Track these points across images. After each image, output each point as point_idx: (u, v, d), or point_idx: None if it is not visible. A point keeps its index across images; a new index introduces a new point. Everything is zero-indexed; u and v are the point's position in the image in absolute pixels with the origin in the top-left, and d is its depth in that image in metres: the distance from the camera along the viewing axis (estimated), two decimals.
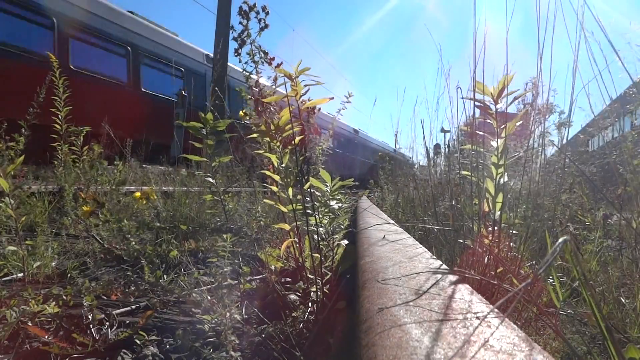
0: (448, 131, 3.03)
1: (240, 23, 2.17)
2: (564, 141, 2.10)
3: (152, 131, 8.83)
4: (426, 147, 2.81)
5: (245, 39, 2.17)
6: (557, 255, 0.49)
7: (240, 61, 2.27)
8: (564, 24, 1.33)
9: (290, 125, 1.45)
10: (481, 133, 1.43)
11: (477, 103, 1.31)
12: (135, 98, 9.10)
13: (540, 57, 1.35)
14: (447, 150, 3.19)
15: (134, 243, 2.16)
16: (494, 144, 1.31)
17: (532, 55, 1.40)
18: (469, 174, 1.50)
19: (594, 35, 1.31)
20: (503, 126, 1.29)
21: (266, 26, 2.20)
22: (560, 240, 0.50)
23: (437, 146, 3.35)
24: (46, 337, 1.14)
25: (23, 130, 3.26)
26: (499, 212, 1.31)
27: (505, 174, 1.31)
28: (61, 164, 3.67)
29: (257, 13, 2.17)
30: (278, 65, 2.18)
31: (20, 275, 1.70)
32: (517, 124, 1.30)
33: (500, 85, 1.24)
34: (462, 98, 1.62)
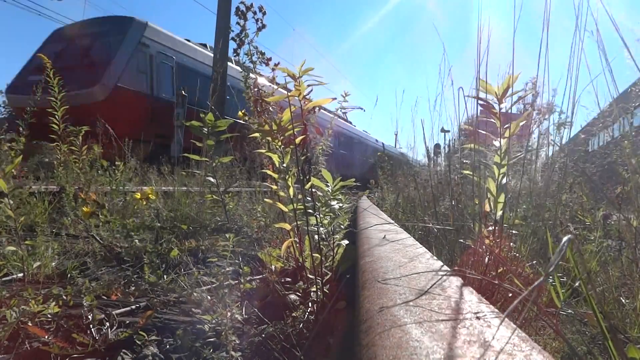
0: (448, 131, 3.03)
1: (238, 23, 2.17)
2: (564, 141, 2.10)
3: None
4: (426, 147, 2.81)
5: (243, 39, 2.17)
6: (562, 254, 0.49)
7: (238, 62, 2.27)
8: (575, 23, 1.33)
9: (291, 125, 1.45)
10: (483, 132, 1.43)
11: (481, 102, 1.31)
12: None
13: (546, 57, 1.35)
14: (447, 150, 3.19)
15: (135, 243, 2.16)
16: (496, 143, 1.31)
17: (531, 55, 1.40)
18: (471, 173, 1.50)
19: (593, 35, 1.31)
20: (507, 125, 1.28)
21: (263, 26, 2.19)
22: (564, 238, 0.50)
23: (437, 146, 3.34)
24: (46, 337, 1.14)
25: None
26: (501, 212, 1.31)
27: (508, 174, 1.31)
28: (61, 164, 3.67)
29: (254, 13, 2.17)
30: (276, 66, 2.18)
31: (20, 275, 1.70)
32: (521, 123, 1.30)
33: (504, 84, 1.24)
34: (466, 96, 1.61)
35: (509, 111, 1.34)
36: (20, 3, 10.65)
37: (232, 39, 2.22)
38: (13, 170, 1.60)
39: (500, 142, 1.29)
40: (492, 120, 1.31)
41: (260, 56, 2.24)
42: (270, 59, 2.27)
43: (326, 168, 2.16)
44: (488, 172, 1.39)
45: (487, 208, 1.37)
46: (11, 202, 1.55)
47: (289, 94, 1.37)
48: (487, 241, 1.35)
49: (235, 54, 2.25)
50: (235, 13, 2.17)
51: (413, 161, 5.21)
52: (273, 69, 2.21)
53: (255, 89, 2.25)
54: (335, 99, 2.72)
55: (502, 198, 1.31)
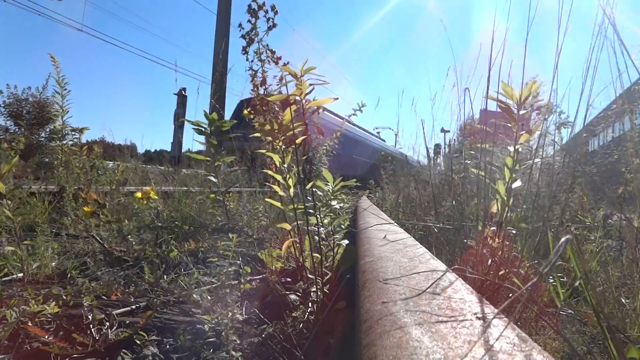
0: (448, 131, 3.03)
1: (249, 21, 2.17)
2: (564, 141, 2.10)
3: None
4: (426, 147, 2.81)
5: (253, 37, 2.17)
6: (560, 254, 0.49)
7: (247, 59, 2.27)
8: (569, 24, 1.33)
9: (292, 125, 1.45)
10: (490, 131, 1.43)
11: (501, 105, 1.30)
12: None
13: (556, 60, 1.35)
14: (447, 150, 3.19)
15: (134, 243, 2.16)
16: (511, 148, 1.31)
17: (532, 54, 1.40)
18: (477, 172, 1.50)
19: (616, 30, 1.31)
20: (522, 132, 1.28)
21: (274, 25, 2.19)
22: (563, 239, 0.50)
23: (437, 146, 3.35)
24: (46, 337, 1.14)
25: None
26: (505, 214, 1.31)
27: (518, 178, 1.31)
28: (62, 164, 3.67)
29: (266, 12, 2.17)
30: (285, 65, 2.18)
31: (20, 275, 1.70)
32: (537, 131, 1.30)
33: (526, 91, 1.25)
34: (485, 97, 1.61)
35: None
36: (20, 3, 10.66)
37: (242, 36, 2.22)
38: (14, 169, 1.60)
39: (515, 147, 1.29)
40: (500, 122, 1.31)
41: (270, 54, 2.24)
42: (280, 58, 2.27)
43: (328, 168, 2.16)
44: (498, 174, 1.39)
45: (495, 209, 1.37)
46: (9, 202, 1.55)
47: (290, 93, 1.37)
48: (490, 242, 1.35)
49: (244, 52, 2.24)
50: (247, 11, 2.17)
51: (413, 161, 5.23)
52: (281, 69, 2.21)
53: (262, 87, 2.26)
54: (337, 98, 2.71)
55: (510, 201, 1.31)
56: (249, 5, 2.15)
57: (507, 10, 1.52)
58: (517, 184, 1.31)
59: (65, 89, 3.64)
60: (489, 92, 1.42)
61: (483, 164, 1.50)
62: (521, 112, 1.27)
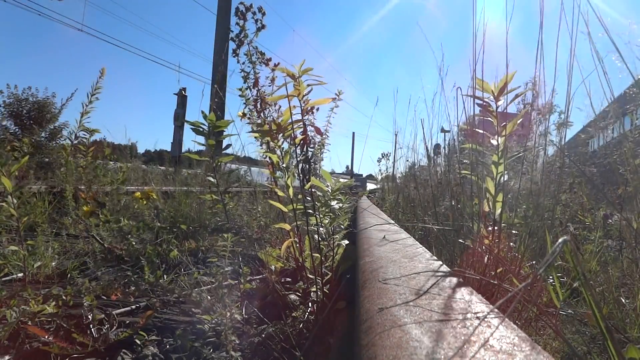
0: (448, 131, 3.03)
1: (237, 24, 2.17)
2: (563, 141, 2.10)
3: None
4: (426, 147, 2.81)
5: (242, 39, 2.18)
6: (557, 255, 0.49)
7: (238, 62, 2.27)
8: (565, 23, 1.33)
9: (291, 125, 1.45)
10: (481, 132, 1.42)
11: (478, 101, 1.31)
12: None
13: (542, 57, 1.35)
14: (447, 150, 3.19)
15: (134, 243, 2.16)
16: (494, 142, 1.31)
17: (532, 55, 1.40)
18: (469, 173, 1.50)
19: (590, 36, 1.30)
20: (504, 124, 1.28)
21: (263, 27, 2.20)
22: (560, 240, 0.50)
23: (437, 146, 3.34)
24: (46, 337, 1.14)
25: None
26: (499, 212, 1.31)
27: (506, 173, 1.30)
28: (65, 164, 3.66)
29: (254, 14, 2.17)
30: (275, 66, 2.18)
31: (21, 275, 1.70)
32: (518, 121, 1.29)
33: (501, 83, 1.24)
34: (463, 95, 1.61)
35: (506, 110, 1.33)
36: (20, 3, 10.65)
37: (232, 39, 2.22)
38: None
39: (497, 141, 1.29)
40: (489, 119, 1.31)
41: (260, 56, 2.24)
42: (270, 59, 2.28)
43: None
44: (487, 171, 1.39)
45: (486, 208, 1.36)
46: (15, 201, 1.55)
47: (287, 94, 1.37)
48: (486, 241, 1.34)
49: (234, 55, 2.25)
50: (235, 14, 2.17)
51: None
52: (273, 70, 2.21)
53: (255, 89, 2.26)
54: (334, 98, 2.72)
55: (500, 197, 1.30)
56: (237, 8, 2.16)
57: (505, 12, 1.52)
58: (505, 178, 1.30)
59: (97, 98, 3.66)
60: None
61: (476, 163, 1.50)
62: (499, 105, 1.27)
